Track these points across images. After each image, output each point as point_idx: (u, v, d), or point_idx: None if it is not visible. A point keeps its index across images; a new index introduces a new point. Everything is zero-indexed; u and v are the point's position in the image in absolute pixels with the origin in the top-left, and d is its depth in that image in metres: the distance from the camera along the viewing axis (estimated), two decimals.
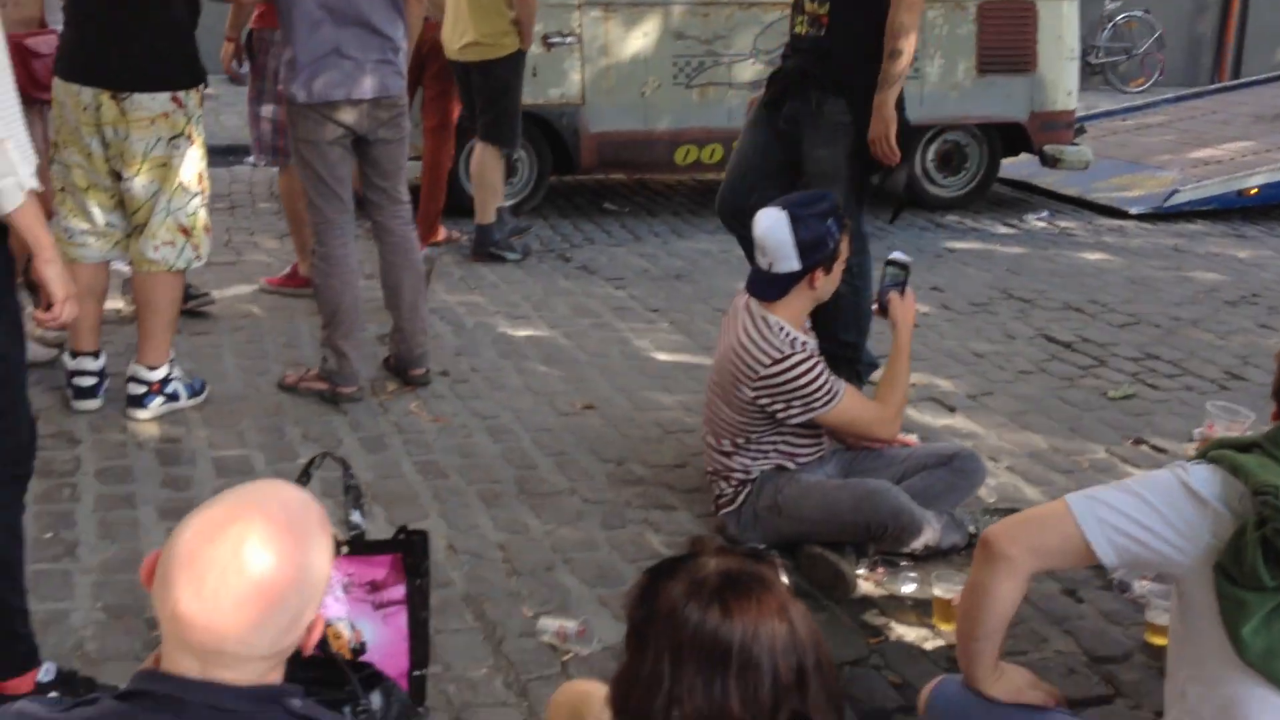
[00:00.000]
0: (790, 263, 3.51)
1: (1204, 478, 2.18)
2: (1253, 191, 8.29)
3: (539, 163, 7.51)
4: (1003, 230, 7.86)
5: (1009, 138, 8.20)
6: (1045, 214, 8.25)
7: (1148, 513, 2.18)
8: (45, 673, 2.69)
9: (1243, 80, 11.64)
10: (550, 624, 3.15)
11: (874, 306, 3.86)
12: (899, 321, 3.68)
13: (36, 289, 3.98)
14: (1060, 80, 8.05)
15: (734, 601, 1.57)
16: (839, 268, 3.59)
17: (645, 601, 1.63)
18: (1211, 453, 2.23)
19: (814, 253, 3.51)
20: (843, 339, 4.56)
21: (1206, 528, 2.14)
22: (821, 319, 4.30)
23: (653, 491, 4.01)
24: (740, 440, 3.63)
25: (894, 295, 3.68)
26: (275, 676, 1.56)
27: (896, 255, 3.75)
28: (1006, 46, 7.92)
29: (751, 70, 7.54)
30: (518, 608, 3.28)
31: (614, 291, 6.21)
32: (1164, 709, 2.26)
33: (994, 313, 6.12)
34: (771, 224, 3.52)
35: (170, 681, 1.51)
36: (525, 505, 3.88)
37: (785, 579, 1.65)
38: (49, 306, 2.67)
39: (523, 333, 5.50)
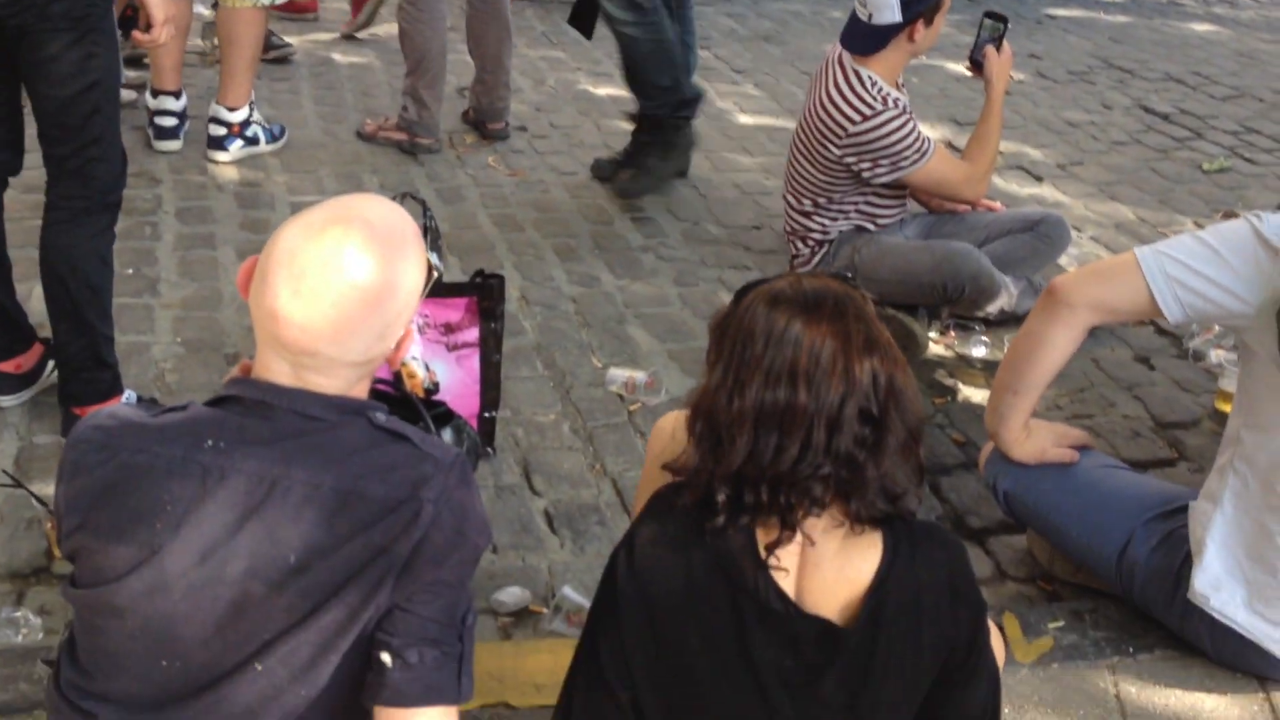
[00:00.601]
0: (893, 12, 3.37)
1: (1278, 226, 2.13)
2: None
3: None
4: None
5: None
6: None
7: (1217, 263, 2.16)
8: (126, 400, 2.80)
9: None
10: (619, 375, 3.20)
11: (965, 63, 3.73)
12: (993, 78, 3.55)
13: (126, 25, 3.98)
14: None
15: (812, 304, 1.55)
16: (940, 19, 3.45)
17: (725, 317, 1.62)
18: None
19: (917, 2, 3.37)
20: (658, 84, 4.26)
21: (1277, 276, 2.10)
22: (630, 72, 4.20)
23: (727, 251, 4.00)
24: (822, 200, 3.58)
25: (990, 50, 3.54)
26: (361, 390, 1.56)
27: (994, 9, 3.59)
28: None
29: None
30: (587, 358, 3.32)
31: (700, 51, 6.06)
32: (1218, 453, 2.26)
33: (1092, 82, 5.90)
34: None
35: (260, 387, 1.50)
36: (599, 260, 3.89)
37: (869, 300, 1.62)
38: (148, 28, 2.66)
39: (604, 90, 5.42)
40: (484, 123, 4.79)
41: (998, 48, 3.55)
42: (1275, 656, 2.22)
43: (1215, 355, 3.38)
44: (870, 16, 3.39)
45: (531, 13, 6.44)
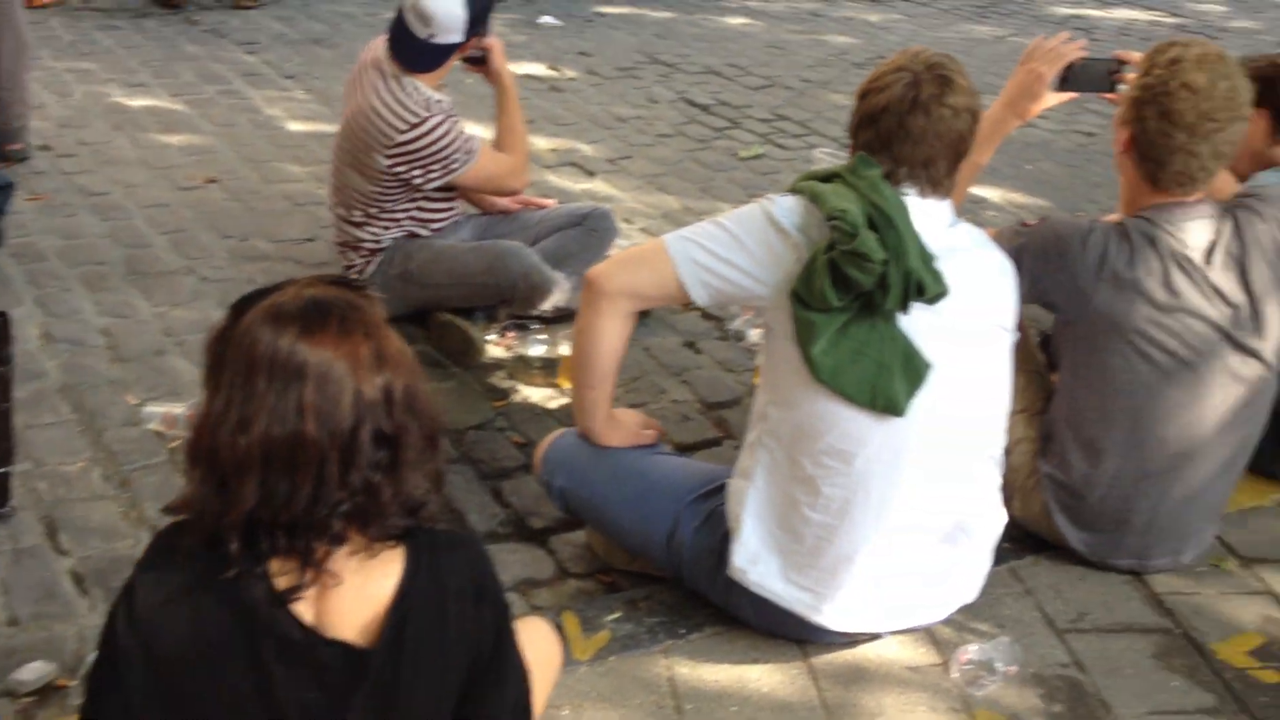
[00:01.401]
0: (459, 34, 3.34)
1: (787, 208, 2.26)
2: None
3: None
4: None
5: None
6: None
7: (734, 247, 2.26)
8: None
9: None
10: (156, 410, 3.00)
11: (462, 66, 3.64)
12: (500, 69, 3.55)
13: None
14: None
15: (315, 321, 1.47)
16: (486, 27, 3.44)
17: (223, 333, 1.52)
18: (797, 184, 2.31)
19: (480, 23, 3.36)
20: None
21: (788, 256, 2.23)
22: None
23: (278, 268, 3.85)
24: (373, 210, 3.51)
25: (490, 43, 3.50)
26: None
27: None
28: None
29: None
30: (121, 396, 3.10)
31: (245, 57, 5.83)
32: (746, 430, 2.37)
33: (639, 77, 6.12)
34: None
35: None
36: (134, 287, 3.65)
37: (379, 306, 1.56)
38: None
39: (139, 102, 5.10)
40: (0, 144, 4.39)
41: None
42: (811, 622, 2.35)
43: (754, 334, 3.57)
44: (432, 36, 3.34)
45: (58, 21, 5.99)
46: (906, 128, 2.22)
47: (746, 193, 4.73)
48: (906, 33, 7.32)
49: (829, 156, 4.39)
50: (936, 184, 2.27)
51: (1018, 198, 4.82)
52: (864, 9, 7.86)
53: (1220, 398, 2.55)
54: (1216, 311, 2.51)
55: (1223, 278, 2.52)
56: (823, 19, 7.53)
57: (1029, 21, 7.80)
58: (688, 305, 2.60)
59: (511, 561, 2.63)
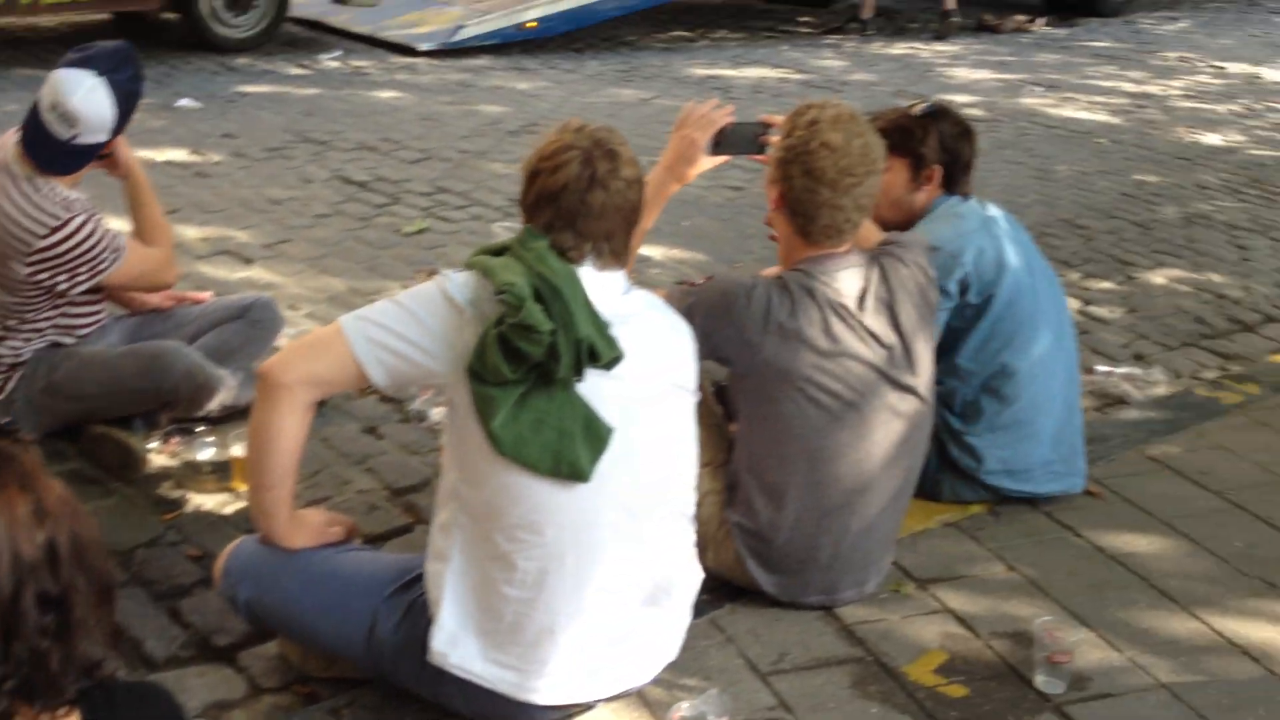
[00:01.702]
0: (103, 134, 3.13)
1: (460, 283, 2.26)
2: (531, 25, 8.71)
3: None
4: (296, 72, 7.68)
5: None
6: (338, 53, 8.15)
7: (412, 325, 2.24)
8: None
9: None
10: None
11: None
12: (127, 158, 3.37)
13: None
14: None
15: None
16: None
17: None
18: (471, 259, 2.30)
19: (126, 119, 3.17)
20: None
21: (464, 332, 2.22)
22: None
23: None
24: (13, 322, 3.25)
25: (118, 141, 3.32)
26: None
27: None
28: None
29: None
30: None
31: None
32: (435, 509, 2.33)
33: (290, 157, 5.97)
34: (88, 93, 3.09)
35: None
36: None
37: (34, 452, 1.43)
38: None
39: None
40: None
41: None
42: (520, 700, 2.31)
43: (435, 414, 3.51)
44: (76, 137, 3.12)
45: None
46: (588, 204, 2.27)
47: (413, 269, 4.67)
48: (556, 99, 7.47)
49: (509, 231, 4.40)
50: (617, 255, 2.33)
51: (677, 253, 4.98)
52: (512, 77, 7.98)
53: (884, 433, 2.70)
54: (873, 353, 2.66)
55: (875, 321, 2.67)
56: (472, 89, 7.59)
57: (670, 83, 8.12)
58: (366, 390, 2.54)
59: (198, 686, 2.46)
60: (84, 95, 3.11)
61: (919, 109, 3.21)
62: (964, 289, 3.06)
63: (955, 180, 3.20)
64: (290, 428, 2.27)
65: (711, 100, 2.88)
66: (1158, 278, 5.08)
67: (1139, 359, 4.29)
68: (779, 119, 2.79)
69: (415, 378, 2.31)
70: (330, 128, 6.48)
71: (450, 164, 6.03)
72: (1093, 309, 4.71)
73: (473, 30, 8.52)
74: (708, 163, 2.87)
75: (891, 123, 3.11)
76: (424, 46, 8.39)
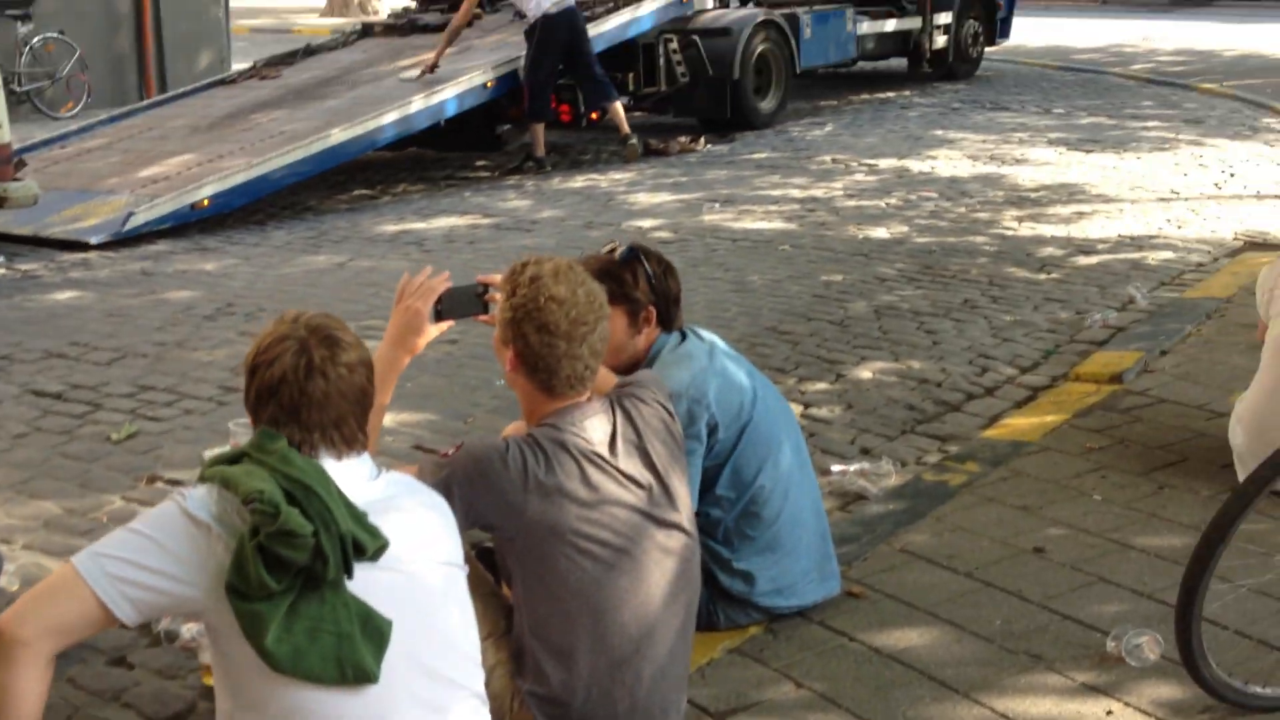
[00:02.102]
0: None
1: (200, 499, 2.17)
2: (205, 203, 8.49)
3: None
4: None
5: None
6: (1, 259, 7.70)
7: (154, 552, 2.13)
8: None
9: (172, 94, 11.85)
10: None
11: None
12: None
13: None
14: None
15: None
16: None
17: None
18: (206, 471, 2.21)
19: None
20: None
21: (213, 550, 2.13)
22: None
23: None
24: None
25: None
26: None
27: None
28: None
29: None
30: None
31: None
32: None
33: None
34: None
35: None
36: None
37: None
38: None
39: None
40: None
41: None
42: None
43: (187, 630, 3.31)
44: None
45: None
46: (308, 394, 2.23)
47: (131, 477, 4.43)
48: (247, 275, 7.29)
49: (243, 428, 4.21)
50: (351, 441, 2.28)
51: (407, 417, 4.93)
52: (196, 259, 7.74)
53: (659, 573, 2.73)
54: (633, 496, 2.70)
55: (629, 464, 2.72)
56: (156, 276, 7.31)
57: (361, 243, 8.07)
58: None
59: None
60: None
61: (619, 253, 3.28)
62: (712, 430, 3.15)
63: (669, 317, 3.30)
64: (31, 687, 2.10)
65: (426, 268, 2.90)
66: (864, 372, 5.39)
67: (866, 452, 4.52)
68: (495, 278, 2.84)
69: (168, 607, 2.20)
70: (9, 340, 6.09)
71: (148, 359, 5.77)
72: (813, 411, 4.94)
73: (144, 216, 8.22)
74: (434, 330, 2.88)
75: (597, 273, 3.18)
76: (95, 239, 8.02)
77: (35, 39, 13.02)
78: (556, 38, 10.06)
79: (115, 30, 13.85)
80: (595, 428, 2.71)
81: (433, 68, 10.25)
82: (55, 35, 13.17)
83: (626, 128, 10.57)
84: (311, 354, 2.23)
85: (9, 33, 12.78)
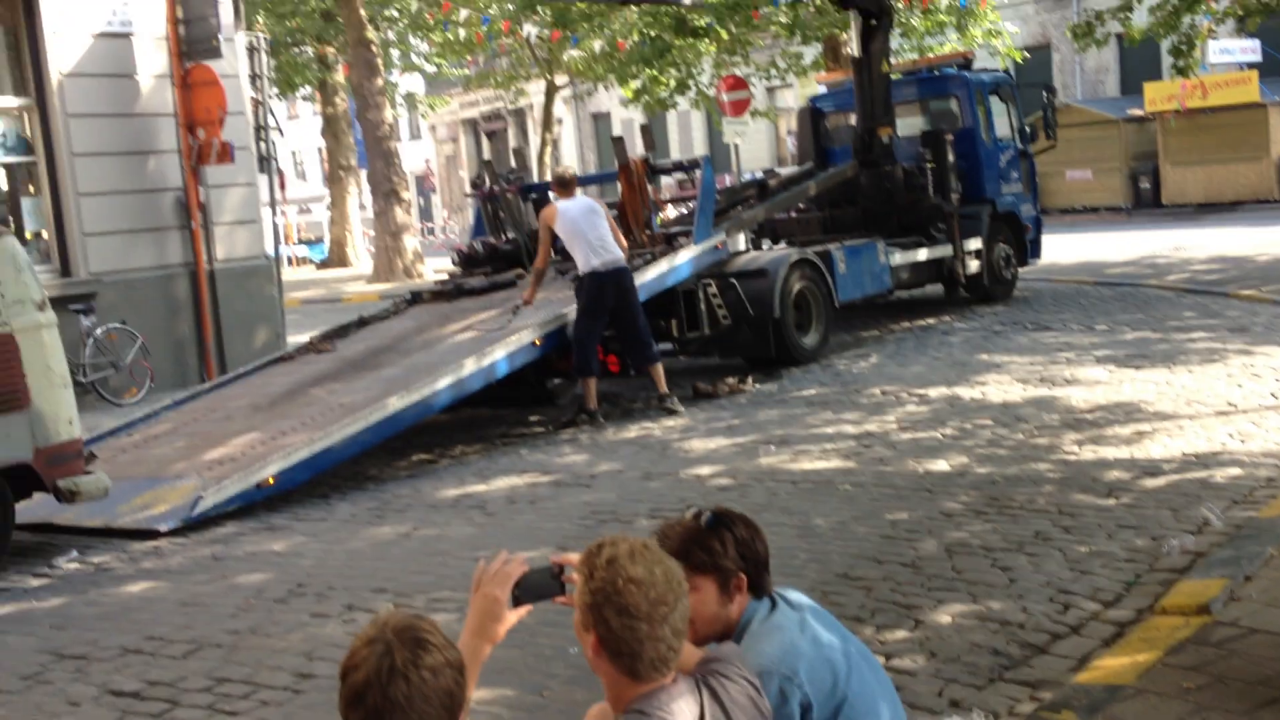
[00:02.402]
0: None
1: None
2: (270, 481, 8.63)
3: None
4: (35, 583, 7.29)
5: (18, 480, 7.69)
6: (74, 554, 7.80)
7: None
8: None
9: (232, 374, 12.18)
10: None
11: None
12: None
13: None
14: (59, 410, 7.77)
15: None
16: None
17: None
18: None
19: None
20: None
21: None
22: None
23: None
24: None
25: None
26: None
27: None
28: None
29: None
30: None
31: None
32: None
33: (49, 681, 5.58)
34: None
35: None
36: None
37: None
38: None
39: None
40: None
41: None
42: None
43: None
44: None
45: None
46: (391, 699, 2.24)
47: None
48: (316, 553, 7.35)
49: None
50: None
51: (482, 694, 4.87)
52: (265, 539, 7.82)
53: None
54: None
55: None
56: (226, 561, 7.38)
57: (425, 511, 8.15)
58: None
59: None
60: None
61: (704, 520, 3.30)
62: (805, 710, 3.10)
63: (760, 583, 3.29)
64: None
65: (501, 554, 2.93)
66: (943, 616, 5.31)
67: (956, 705, 4.41)
68: (570, 558, 2.85)
69: None
70: (86, 637, 6.13)
71: (223, 649, 5.78)
72: (896, 662, 4.85)
73: (212, 499, 8.36)
74: (513, 617, 2.88)
75: (684, 542, 3.19)
76: (165, 527, 8.15)
77: (98, 330, 13.50)
78: (604, 294, 10.35)
79: (175, 316, 14.35)
80: (683, 711, 2.68)
81: (527, 303, 10.86)
82: (118, 325, 13.65)
83: (665, 387, 10.72)
84: (394, 657, 2.25)
85: (73, 326, 13.27)
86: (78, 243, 13.59)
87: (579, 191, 10.94)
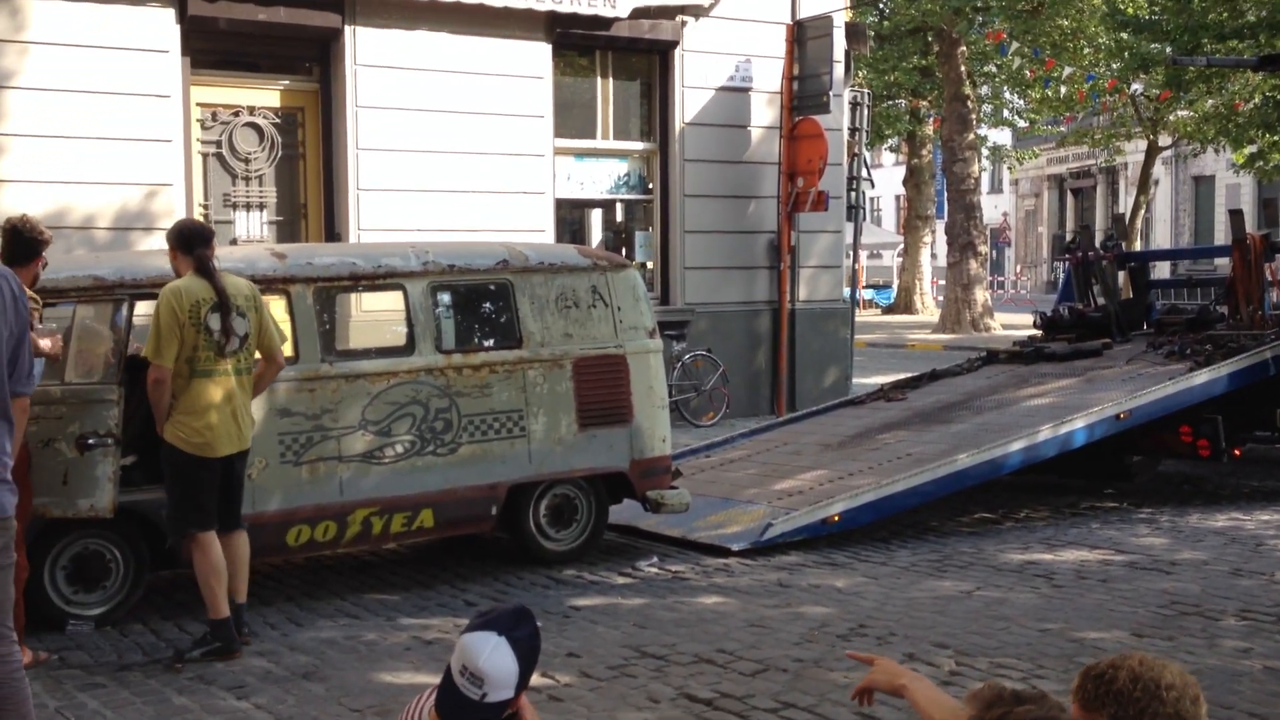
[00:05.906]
0: (508, 690, 3.33)
1: None
2: (835, 519, 8.89)
3: (135, 561, 6.97)
4: (620, 581, 7.97)
5: (614, 486, 8.46)
6: (654, 559, 8.44)
7: None
8: None
9: (804, 412, 12.67)
10: None
11: None
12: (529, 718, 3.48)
13: None
14: (655, 428, 8.47)
15: None
16: None
17: None
18: None
19: (528, 676, 3.36)
20: None
21: None
22: None
23: None
24: None
25: (522, 701, 3.44)
26: None
27: None
28: (603, 401, 8.28)
29: (362, 441, 7.47)
30: None
31: (237, 703, 5.70)
32: None
33: (633, 675, 6.08)
34: (492, 652, 3.33)
35: None
36: None
37: None
38: None
39: None
40: None
41: None
42: None
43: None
44: (485, 695, 3.32)
45: (39, 685, 5.85)
46: None
47: None
48: (877, 596, 7.48)
49: None
50: None
51: None
52: (827, 574, 8.06)
53: None
54: None
55: None
56: (791, 589, 7.68)
57: (987, 571, 8.04)
58: None
59: None
60: (489, 655, 3.30)
61: None
62: None
63: None
64: None
65: None
66: None
67: None
68: None
69: None
70: (665, 640, 6.61)
71: (789, 675, 6.02)
72: None
73: (781, 528, 8.74)
74: None
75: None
76: (736, 546, 8.62)
77: (687, 355, 14.56)
78: None
79: (754, 349, 15.16)
80: None
81: None
82: (703, 353, 14.64)
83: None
84: None
85: (666, 350, 14.38)
86: (678, 275, 14.74)
87: None
